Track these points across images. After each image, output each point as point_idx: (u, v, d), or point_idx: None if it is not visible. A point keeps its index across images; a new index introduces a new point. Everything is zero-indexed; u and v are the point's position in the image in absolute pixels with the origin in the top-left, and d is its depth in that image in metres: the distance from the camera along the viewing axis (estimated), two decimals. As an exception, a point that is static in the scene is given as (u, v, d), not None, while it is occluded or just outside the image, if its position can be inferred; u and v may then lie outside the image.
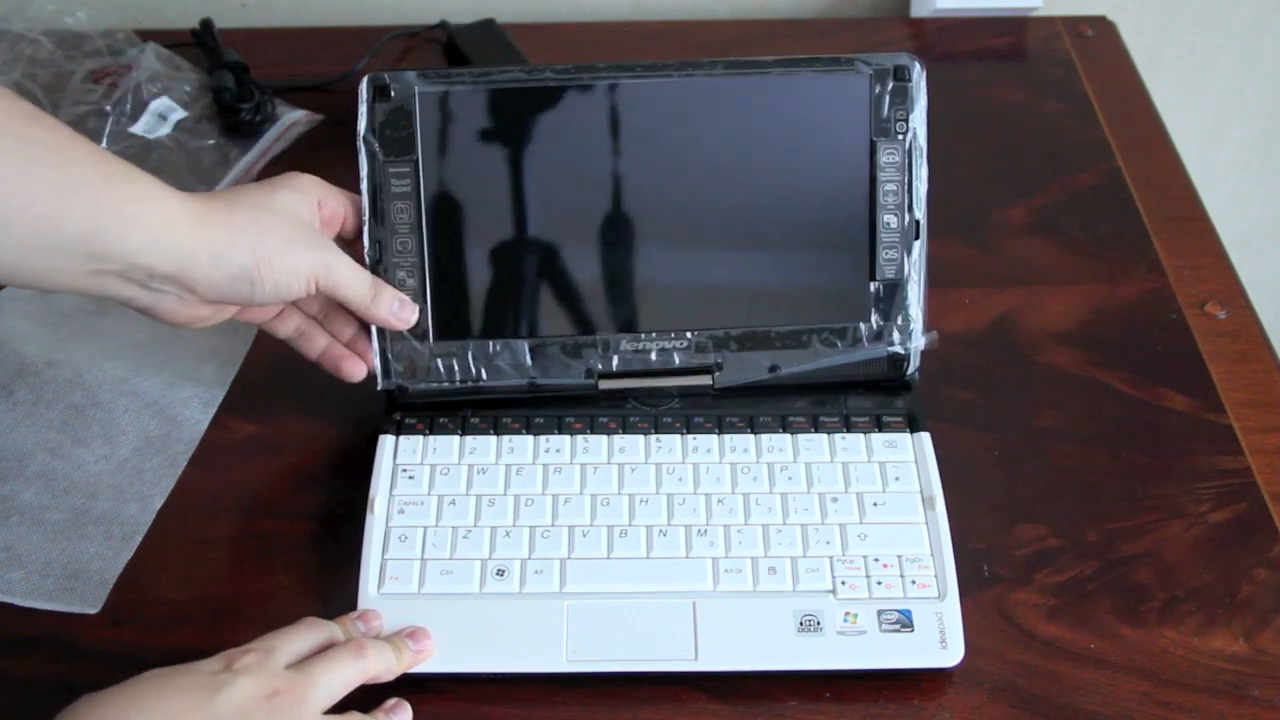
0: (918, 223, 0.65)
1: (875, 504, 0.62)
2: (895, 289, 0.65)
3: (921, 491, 0.63)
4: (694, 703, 0.57)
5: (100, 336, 0.72)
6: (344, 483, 0.65)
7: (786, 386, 0.67)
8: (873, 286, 0.65)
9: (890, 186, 0.65)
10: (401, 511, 0.62)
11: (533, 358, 0.64)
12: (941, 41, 0.97)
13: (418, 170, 0.63)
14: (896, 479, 0.63)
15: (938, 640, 0.58)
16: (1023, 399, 0.71)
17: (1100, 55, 0.96)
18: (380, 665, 0.55)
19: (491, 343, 0.64)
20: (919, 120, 0.65)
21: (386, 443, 0.64)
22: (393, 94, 0.62)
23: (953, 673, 0.58)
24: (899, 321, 0.66)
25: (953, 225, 0.82)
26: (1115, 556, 0.63)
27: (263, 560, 0.63)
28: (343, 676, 0.53)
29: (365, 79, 0.63)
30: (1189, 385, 0.71)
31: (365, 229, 0.63)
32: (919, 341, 0.66)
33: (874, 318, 0.65)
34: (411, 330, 0.63)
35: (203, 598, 0.61)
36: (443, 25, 0.94)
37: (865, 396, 0.67)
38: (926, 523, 0.62)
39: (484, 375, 0.64)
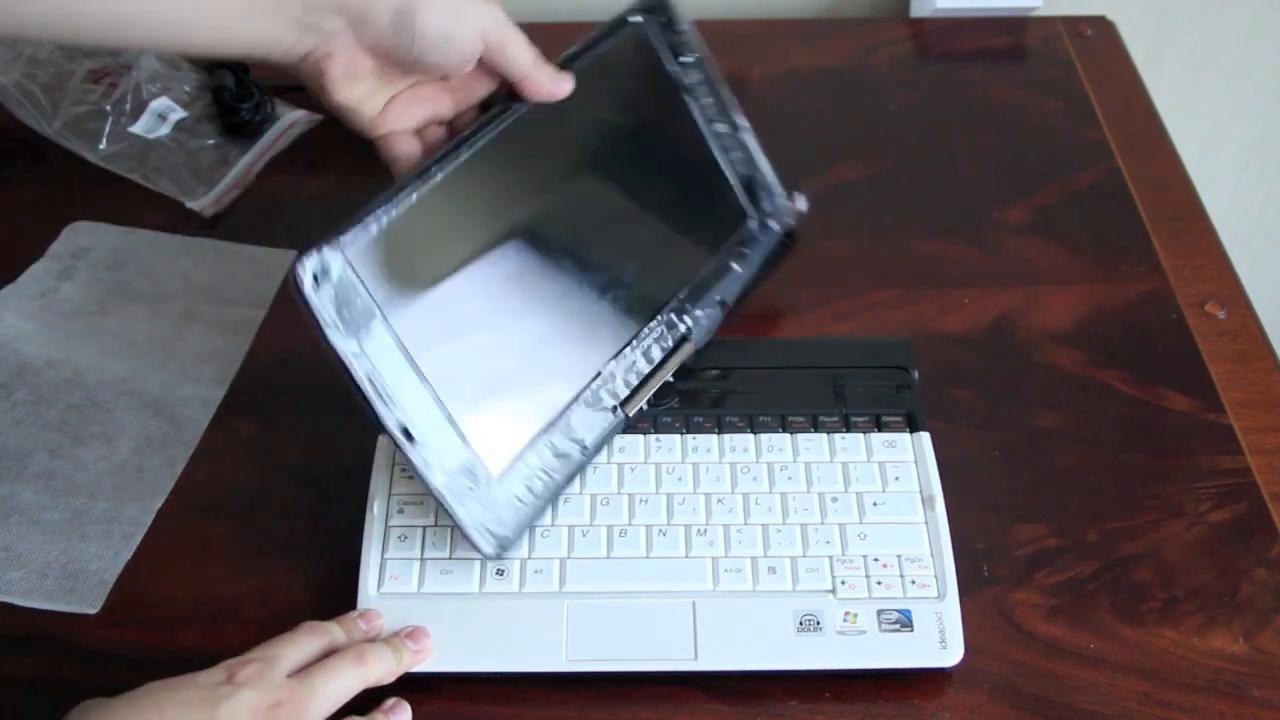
0: (733, 119, 0.70)
1: (875, 504, 0.62)
2: (752, 180, 0.71)
3: (921, 491, 0.63)
4: (694, 703, 0.57)
5: (100, 336, 0.72)
6: (344, 483, 0.65)
7: (785, 383, 0.67)
8: (737, 187, 0.70)
9: (705, 100, 0.69)
10: (401, 511, 0.62)
11: (571, 429, 0.62)
12: (941, 41, 0.97)
13: (391, 331, 0.57)
14: (896, 479, 0.63)
15: (937, 640, 0.58)
16: (1023, 399, 0.71)
17: (1100, 55, 0.96)
18: (381, 670, 0.55)
19: (534, 445, 0.61)
20: (692, 32, 0.68)
21: (386, 442, 0.64)
22: (331, 270, 0.55)
23: (953, 673, 0.58)
24: (769, 203, 0.72)
25: (953, 225, 0.82)
26: (1115, 556, 0.63)
27: (263, 560, 0.63)
28: (344, 684, 0.53)
29: (297, 268, 0.54)
30: (1189, 385, 0.71)
31: (385, 421, 0.56)
32: (801, 205, 0.72)
33: (753, 210, 0.72)
34: (472, 479, 0.58)
35: (203, 598, 0.61)
36: (443, 25, 0.94)
37: (865, 396, 0.67)
38: (926, 523, 0.62)
39: (554, 476, 0.61)
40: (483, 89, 0.62)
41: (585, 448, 0.62)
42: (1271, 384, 0.72)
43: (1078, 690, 0.58)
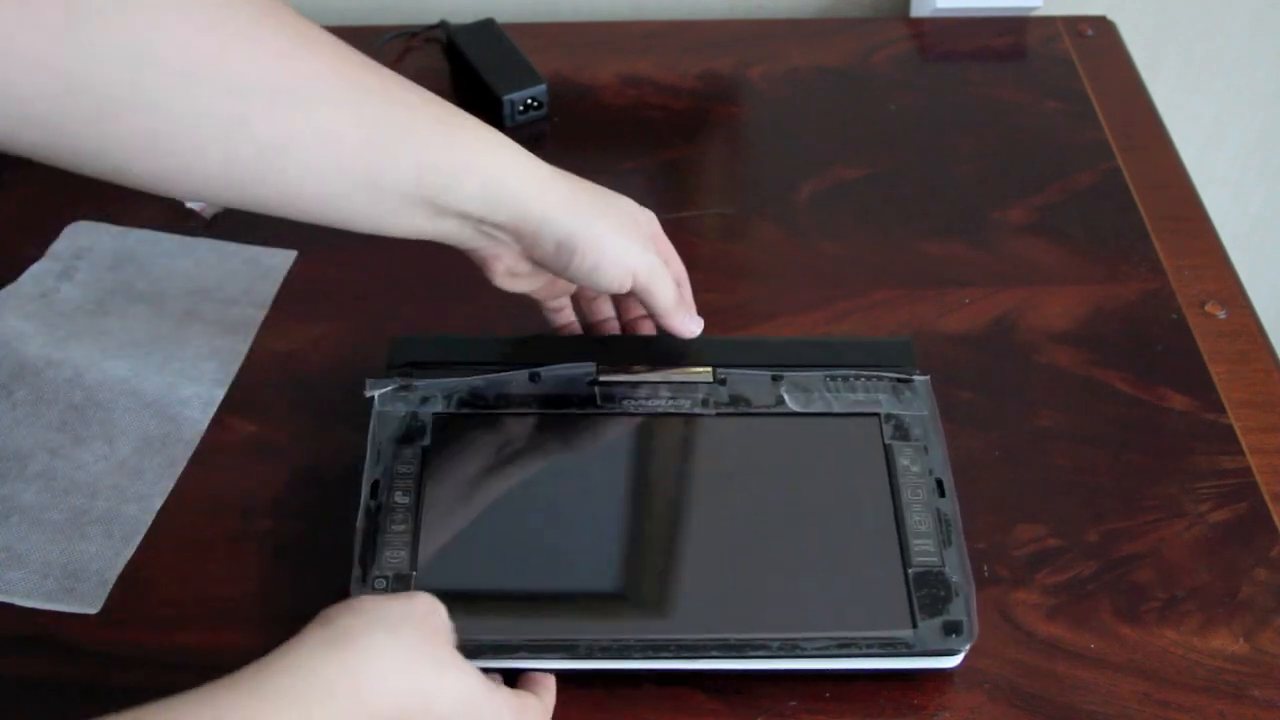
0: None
1: (875, 504, 0.62)
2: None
3: (921, 491, 0.63)
4: (694, 703, 0.57)
5: (100, 336, 0.72)
6: (344, 483, 0.65)
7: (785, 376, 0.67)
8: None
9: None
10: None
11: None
12: (941, 41, 0.97)
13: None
14: (896, 479, 0.63)
15: None
16: (1023, 399, 0.71)
17: (1100, 55, 0.96)
18: None
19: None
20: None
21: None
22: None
23: (953, 673, 0.58)
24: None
25: (953, 225, 0.82)
26: (1115, 556, 0.63)
27: (263, 560, 0.63)
28: None
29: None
30: (1189, 385, 0.71)
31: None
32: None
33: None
34: None
35: (203, 598, 0.61)
36: (442, 25, 0.94)
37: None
38: None
39: None
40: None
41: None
42: (1271, 384, 0.72)
43: (1078, 690, 0.58)
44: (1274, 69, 1.14)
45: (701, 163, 0.88)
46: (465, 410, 0.63)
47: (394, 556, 0.58)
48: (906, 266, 0.79)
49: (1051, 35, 0.98)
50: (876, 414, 0.64)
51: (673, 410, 0.64)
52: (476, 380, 0.64)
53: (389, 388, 0.64)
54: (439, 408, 0.63)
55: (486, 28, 0.93)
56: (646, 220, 0.63)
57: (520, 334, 0.68)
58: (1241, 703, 0.57)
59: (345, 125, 0.53)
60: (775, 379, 0.65)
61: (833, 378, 0.65)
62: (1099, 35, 0.98)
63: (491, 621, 0.56)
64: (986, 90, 0.93)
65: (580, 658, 0.55)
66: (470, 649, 0.53)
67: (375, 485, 0.60)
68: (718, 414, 0.64)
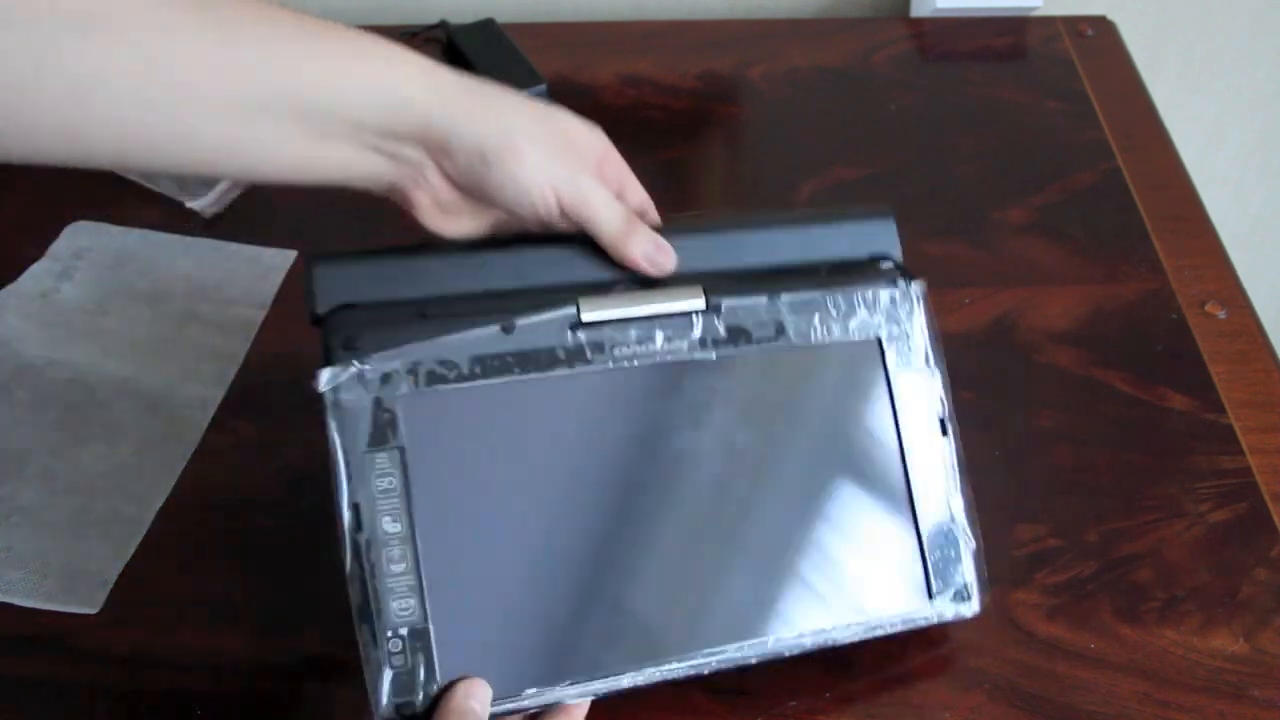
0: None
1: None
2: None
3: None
4: (694, 703, 0.57)
5: (100, 336, 0.72)
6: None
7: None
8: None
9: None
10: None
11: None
12: (941, 41, 0.97)
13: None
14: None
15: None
16: (1023, 399, 0.71)
17: (1100, 55, 0.96)
18: None
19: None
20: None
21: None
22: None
23: (952, 673, 0.58)
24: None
25: (953, 225, 0.82)
26: (1115, 556, 0.63)
27: (263, 560, 0.63)
28: None
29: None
30: (1189, 385, 0.71)
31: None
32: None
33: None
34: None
35: (203, 598, 0.61)
36: (442, 25, 0.94)
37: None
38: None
39: None
40: None
41: None
42: (1271, 384, 0.72)
43: (1078, 690, 0.58)
44: (1274, 69, 1.14)
45: (701, 163, 0.88)
46: (438, 387, 0.52)
47: (403, 608, 0.50)
48: (906, 266, 0.79)
49: (1051, 35, 0.98)
50: (878, 339, 0.59)
51: (671, 358, 0.55)
52: (441, 342, 0.53)
53: (347, 375, 0.51)
54: (404, 388, 0.52)
55: (486, 28, 0.93)
56: (591, 139, 0.56)
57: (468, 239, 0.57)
58: (1241, 703, 0.57)
59: (201, 48, 0.47)
60: (771, 299, 0.57)
61: (830, 291, 0.59)
62: (1099, 35, 0.98)
63: (528, 671, 0.52)
64: (986, 90, 0.93)
65: (625, 683, 0.53)
66: (509, 696, 0.51)
67: (357, 510, 0.50)
68: (718, 357, 0.56)
